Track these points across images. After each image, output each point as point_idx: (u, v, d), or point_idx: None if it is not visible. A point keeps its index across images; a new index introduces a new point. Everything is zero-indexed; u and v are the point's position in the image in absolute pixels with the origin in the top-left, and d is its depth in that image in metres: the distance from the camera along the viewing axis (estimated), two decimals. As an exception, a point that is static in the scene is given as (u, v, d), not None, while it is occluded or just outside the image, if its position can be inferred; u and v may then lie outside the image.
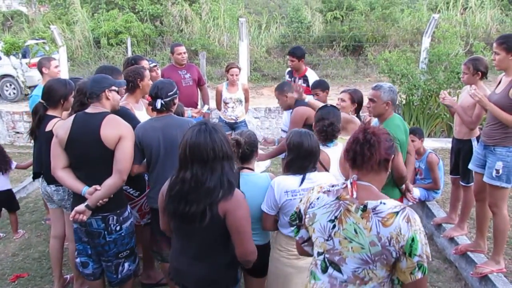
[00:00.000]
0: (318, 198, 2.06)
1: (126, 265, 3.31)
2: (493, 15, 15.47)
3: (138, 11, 16.90)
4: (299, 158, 2.71)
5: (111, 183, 3.00)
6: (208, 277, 2.48)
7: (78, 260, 3.36)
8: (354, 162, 1.97)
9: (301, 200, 2.19)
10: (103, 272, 3.41)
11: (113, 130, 2.98)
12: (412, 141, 5.10)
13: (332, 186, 2.08)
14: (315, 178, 2.71)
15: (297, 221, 2.20)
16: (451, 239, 4.43)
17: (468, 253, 4.12)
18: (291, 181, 2.69)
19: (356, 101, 3.89)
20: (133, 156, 3.08)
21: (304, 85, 5.53)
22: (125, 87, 3.82)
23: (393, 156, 2.00)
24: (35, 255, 4.70)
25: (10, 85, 12.66)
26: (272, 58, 15.67)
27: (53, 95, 3.64)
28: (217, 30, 16.48)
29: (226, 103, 6.15)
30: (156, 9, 16.91)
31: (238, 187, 2.48)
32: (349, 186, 1.96)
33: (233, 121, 6.15)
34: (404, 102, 8.44)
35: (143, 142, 3.38)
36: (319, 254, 2.07)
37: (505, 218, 3.69)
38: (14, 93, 12.61)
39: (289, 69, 5.99)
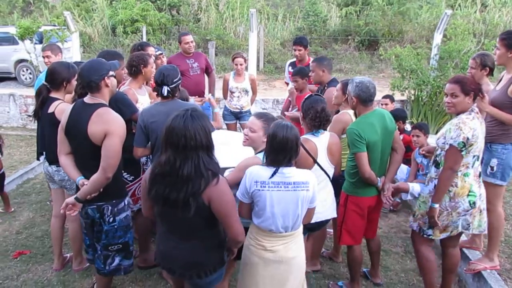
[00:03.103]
0: (474, 124, 3.08)
1: (116, 259, 3.27)
2: (512, 14, 15.21)
3: (155, 0, 16.99)
4: (273, 150, 2.63)
5: (95, 179, 2.94)
6: (195, 260, 2.52)
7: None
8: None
9: (462, 131, 3.05)
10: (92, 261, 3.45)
11: (99, 126, 2.90)
12: (418, 136, 5.08)
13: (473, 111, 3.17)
14: (290, 173, 2.63)
15: (465, 147, 3.06)
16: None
17: (464, 249, 4.11)
18: (263, 172, 2.63)
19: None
20: (120, 153, 2.98)
21: None
22: (124, 69, 3.88)
23: None
24: (38, 234, 4.82)
25: (27, 69, 12.88)
26: (286, 50, 15.64)
27: (56, 77, 3.69)
28: (233, 21, 16.51)
29: (232, 92, 6.19)
30: (174, -3, 16.99)
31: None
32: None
33: (237, 110, 6.18)
34: (412, 98, 8.38)
35: (148, 126, 3.42)
36: (473, 157, 3.16)
37: (500, 216, 3.68)
38: (30, 78, 12.81)
39: (291, 60, 6.00)
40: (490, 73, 3.98)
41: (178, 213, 2.37)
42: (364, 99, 3.40)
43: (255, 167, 2.69)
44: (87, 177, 3.02)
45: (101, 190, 3.02)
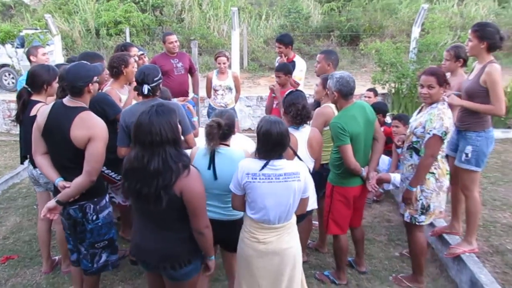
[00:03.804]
0: (449, 113, 3.32)
1: (103, 255, 3.28)
2: (489, 7, 15.43)
3: (138, 1, 16.90)
4: (268, 146, 2.70)
5: (79, 182, 2.94)
6: (169, 251, 2.55)
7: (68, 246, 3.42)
8: None
9: (444, 121, 3.25)
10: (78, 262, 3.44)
11: (82, 131, 2.90)
12: (397, 126, 5.18)
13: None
14: (281, 165, 2.70)
15: (445, 135, 3.29)
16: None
17: (444, 235, 4.22)
18: (254, 164, 2.70)
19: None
20: (104, 156, 2.98)
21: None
22: (107, 72, 3.91)
23: None
24: (25, 238, 4.80)
25: (9, 74, 12.74)
26: (269, 48, 15.65)
27: (37, 80, 3.67)
28: (217, 21, 16.51)
29: (215, 90, 6.23)
30: (156, -1, 16.94)
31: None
32: None
33: (222, 108, 6.20)
34: (393, 91, 8.50)
35: (129, 125, 3.39)
36: (447, 141, 3.39)
37: (476, 201, 3.77)
38: (13, 83, 12.66)
39: (279, 57, 6.03)
40: (464, 64, 4.09)
41: (150, 207, 2.42)
42: (345, 93, 3.50)
43: (247, 160, 2.78)
44: (65, 178, 3.02)
45: None
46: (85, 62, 3.20)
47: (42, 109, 3.21)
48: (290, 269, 2.85)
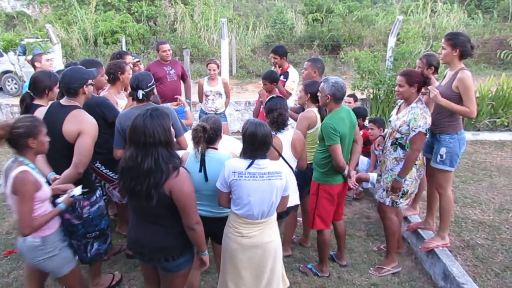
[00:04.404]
0: (428, 112, 3.53)
1: (95, 245, 3.32)
2: (459, 18, 15.61)
3: (133, 12, 16.81)
4: (253, 146, 2.71)
5: (67, 173, 2.95)
6: (161, 244, 2.55)
7: None
8: None
9: (426, 119, 3.43)
10: (74, 253, 3.40)
11: (73, 126, 2.95)
12: (372, 129, 5.21)
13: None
14: (264, 165, 2.71)
15: (428, 131, 3.49)
16: (405, 218, 4.53)
17: (419, 230, 4.23)
18: (240, 163, 2.70)
19: (310, 92, 3.92)
20: (91, 151, 3.02)
21: (285, 80, 5.55)
22: (104, 76, 3.88)
23: None
24: (27, 234, 4.72)
25: (12, 80, 12.57)
26: (256, 56, 15.70)
27: (38, 85, 3.61)
28: (207, 31, 16.47)
29: (206, 96, 6.19)
30: (151, 10, 16.86)
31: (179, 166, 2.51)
32: None
33: (213, 112, 6.17)
34: (371, 96, 8.55)
35: (125, 129, 3.37)
36: None
37: (449, 198, 3.78)
38: (15, 88, 12.52)
39: (274, 67, 5.98)
40: (435, 71, 4.11)
41: (143, 203, 2.43)
42: (338, 97, 3.55)
43: (233, 159, 2.78)
44: (59, 174, 3.01)
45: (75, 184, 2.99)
46: (80, 66, 3.25)
47: (41, 109, 3.24)
48: (272, 262, 2.86)
